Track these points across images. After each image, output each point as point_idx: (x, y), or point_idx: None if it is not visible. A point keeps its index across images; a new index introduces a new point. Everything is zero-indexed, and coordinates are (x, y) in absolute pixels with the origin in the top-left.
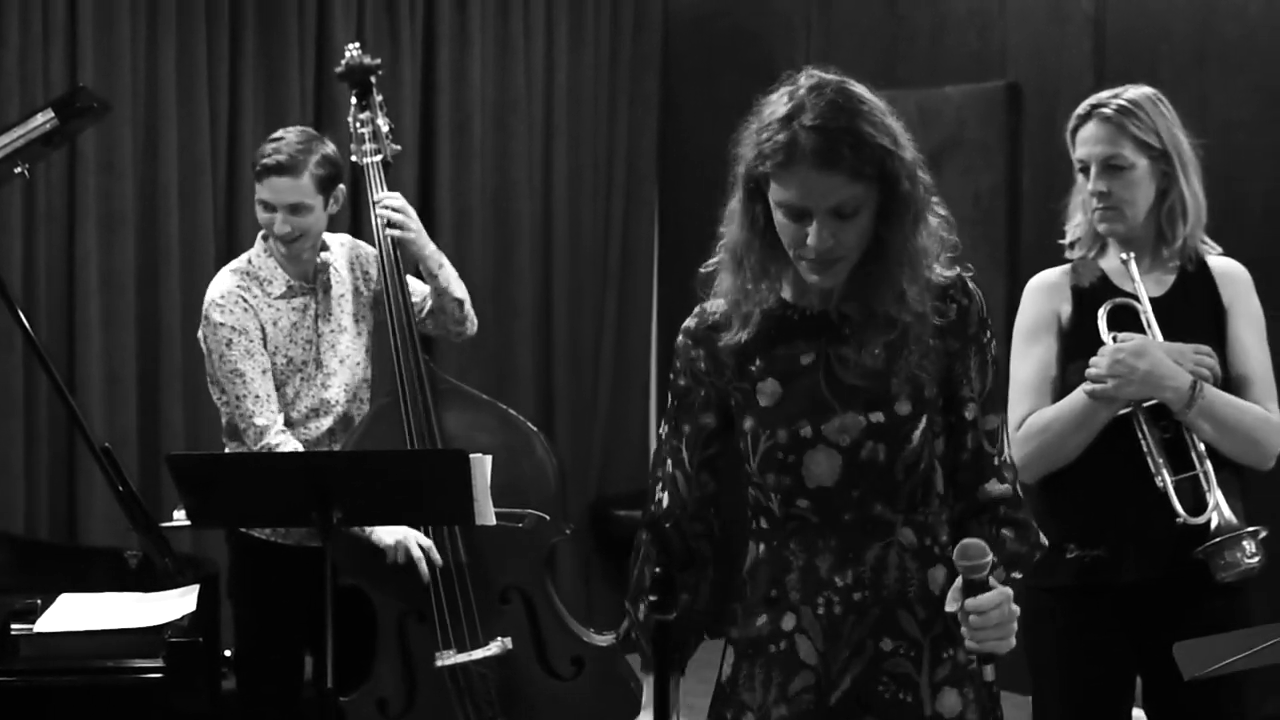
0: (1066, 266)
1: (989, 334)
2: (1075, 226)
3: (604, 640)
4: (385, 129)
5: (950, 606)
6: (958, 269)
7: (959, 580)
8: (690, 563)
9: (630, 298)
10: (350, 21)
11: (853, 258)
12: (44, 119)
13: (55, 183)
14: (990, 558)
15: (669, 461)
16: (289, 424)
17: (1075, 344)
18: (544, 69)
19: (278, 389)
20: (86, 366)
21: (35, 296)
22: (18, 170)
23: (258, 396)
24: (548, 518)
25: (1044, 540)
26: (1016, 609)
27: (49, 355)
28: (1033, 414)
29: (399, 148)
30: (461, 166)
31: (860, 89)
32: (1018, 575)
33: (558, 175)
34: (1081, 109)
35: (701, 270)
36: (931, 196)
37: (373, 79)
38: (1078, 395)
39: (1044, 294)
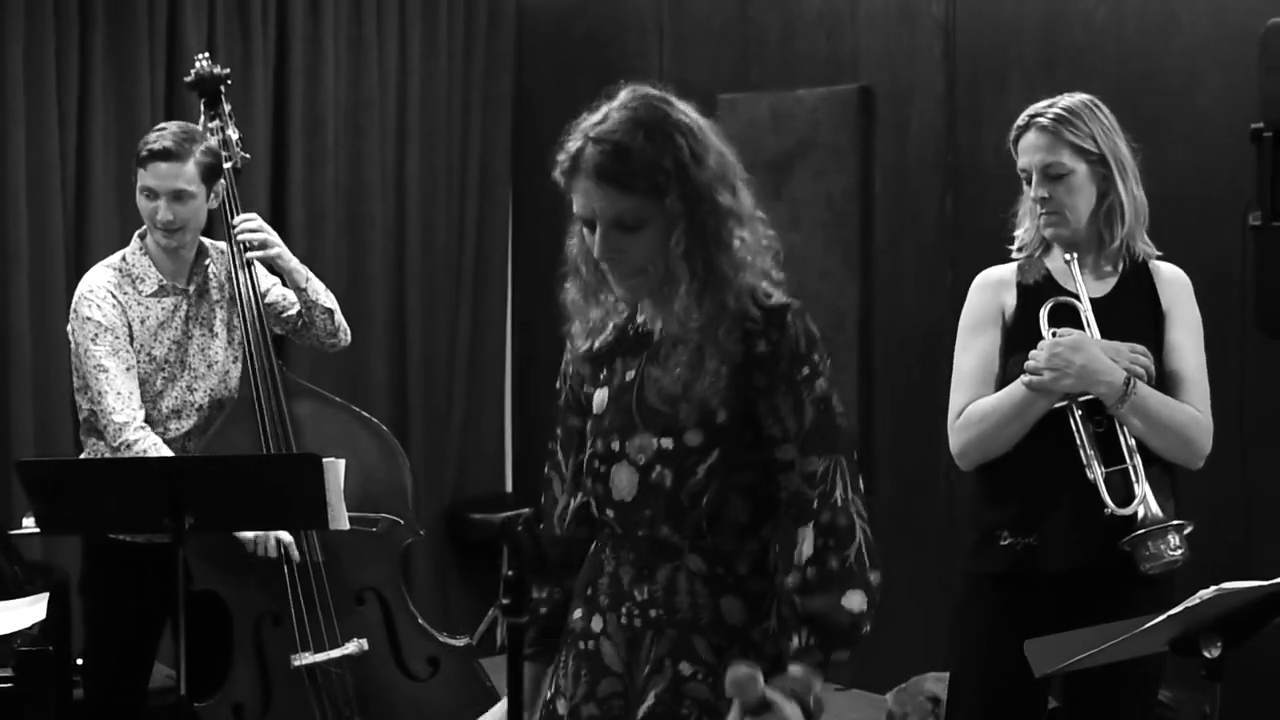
0: (1013, 264)
1: (807, 370)
2: (1024, 232)
3: (458, 642)
4: (235, 137)
5: None
6: (785, 300)
7: (735, 703)
8: (543, 566)
9: (484, 300)
10: (201, 21)
11: (653, 272)
12: None
13: None
14: (759, 683)
15: (548, 465)
16: (150, 422)
17: (1016, 338)
18: (397, 70)
19: (141, 385)
20: None
21: None
22: None
23: (119, 393)
24: (401, 521)
25: (858, 609)
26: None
27: None
28: (972, 403)
29: (248, 156)
30: (314, 169)
31: (671, 106)
32: (839, 656)
33: (411, 177)
34: (1021, 119)
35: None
36: (733, 219)
37: (222, 88)
38: (1016, 386)
39: (990, 289)
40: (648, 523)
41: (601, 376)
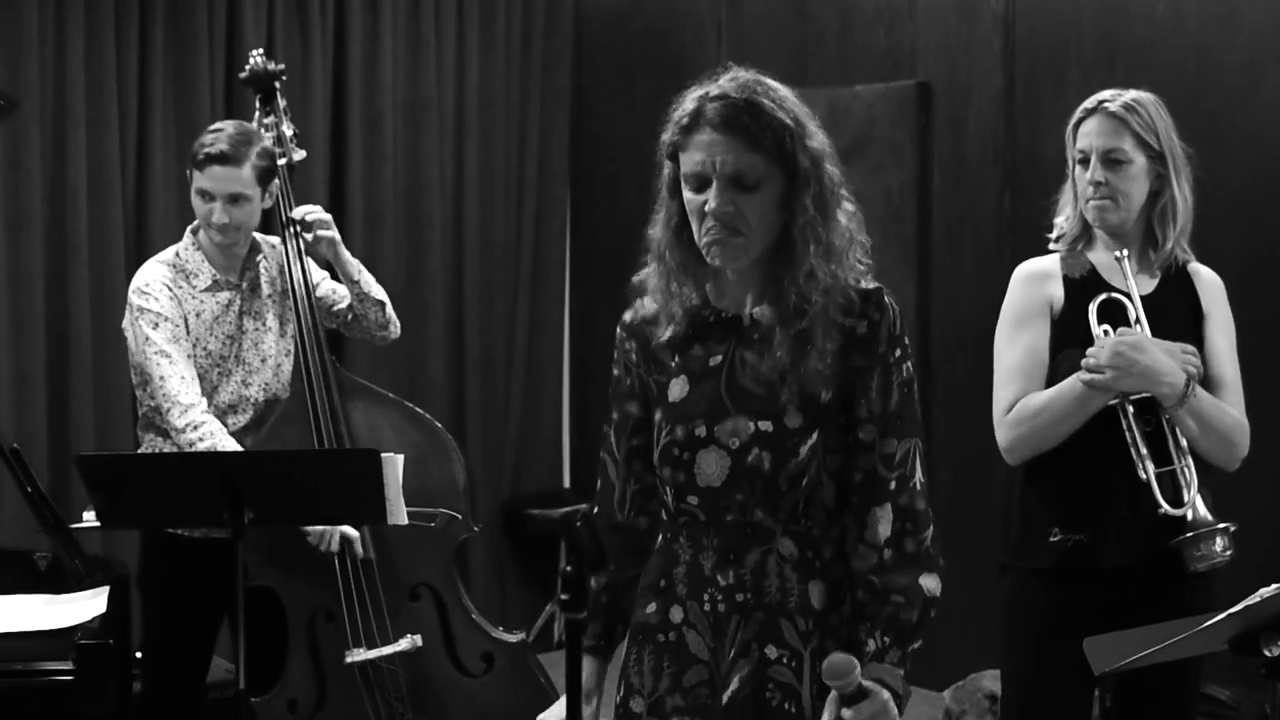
0: (1054, 257)
1: (899, 353)
2: (1064, 221)
3: (513, 637)
4: (289, 133)
5: (826, 718)
6: (876, 284)
7: (833, 692)
8: (602, 562)
9: (542, 296)
10: (260, 19)
11: (755, 241)
12: None
13: None
14: (857, 671)
15: (602, 449)
16: None
17: (1065, 332)
18: (455, 67)
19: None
20: None
21: None
22: None
23: (183, 377)
24: (459, 516)
25: (932, 592)
26: (895, 713)
27: None
28: (1023, 398)
29: (304, 153)
30: (373, 166)
31: (775, 82)
32: (915, 646)
33: (469, 174)
34: (1089, 103)
35: (635, 279)
36: (842, 190)
37: (277, 84)
38: (1072, 382)
39: (1035, 281)
40: (739, 507)
41: (674, 364)
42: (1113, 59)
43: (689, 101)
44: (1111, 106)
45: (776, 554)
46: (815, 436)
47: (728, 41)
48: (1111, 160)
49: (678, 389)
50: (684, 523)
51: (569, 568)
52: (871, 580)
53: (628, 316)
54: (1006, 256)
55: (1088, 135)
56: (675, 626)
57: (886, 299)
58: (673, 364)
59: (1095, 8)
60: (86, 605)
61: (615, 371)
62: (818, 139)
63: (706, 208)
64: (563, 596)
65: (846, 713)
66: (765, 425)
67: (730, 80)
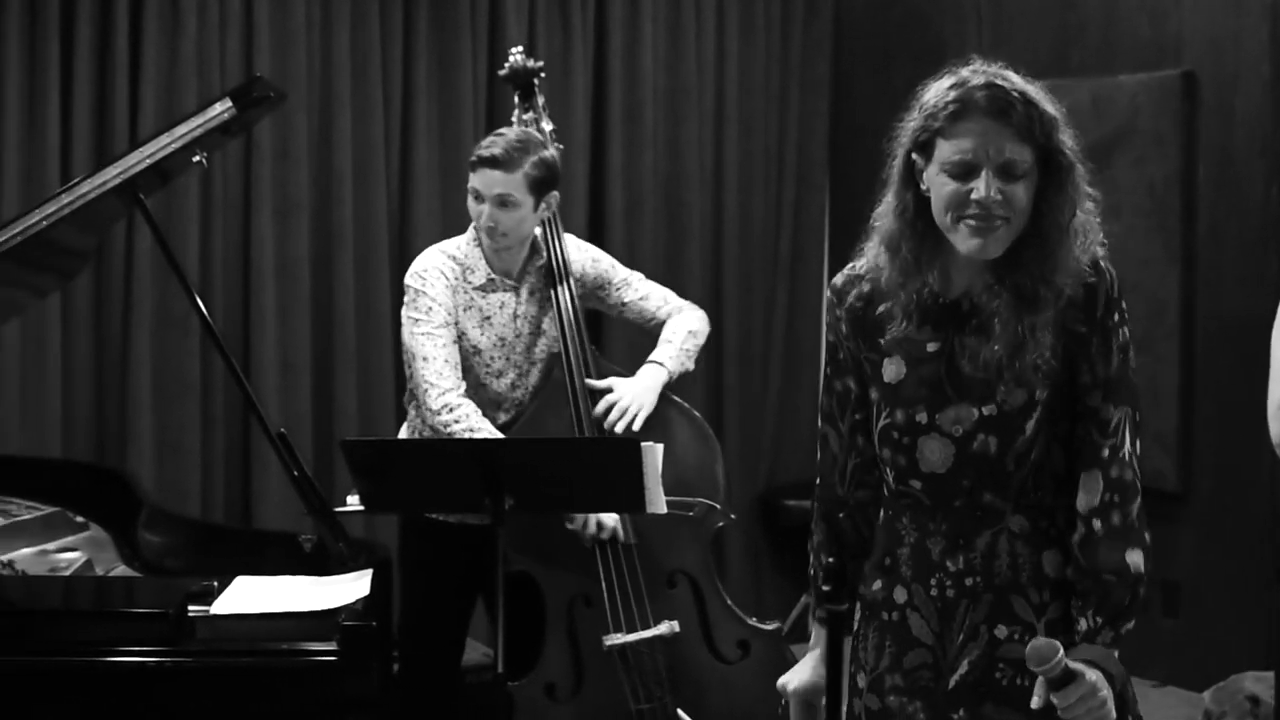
0: None
1: (1117, 317)
2: None
3: (769, 626)
4: (549, 129)
5: (1035, 703)
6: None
7: (1041, 677)
8: (864, 552)
9: (801, 285)
10: (522, 8)
11: (1015, 231)
12: (222, 108)
13: (232, 171)
14: (1061, 655)
15: (821, 417)
16: None
17: None
18: (715, 56)
19: (465, 375)
20: (262, 352)
21: (212, 283)
22: (196, 159)
23: (445, 360)
24: (718, 506)
25: (1140, 569)
26: (1105, 693)
27: (225, 341)
28: None
29: (561, 146)
30: (633, 155)
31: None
32: (1129, 626)
33: (729, 163)
34: None
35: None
36: (1086, 184)
37: (535, 81)
38: None
39: None
40: (966, 492)
41: (887, 341)
42: None
43: (947, 90)
44: None
45: (1008, 532)
46: (1040, 409)
47: (988, 28)
48: None
49: (892, 370)
50: (907, 504)
51: (830, 559)
52: (1078, 557)
53: (839, 281)
54: (1273, 250)
55: None
56: (899, 607)
57: (1103, 263)
58: (884, 341)
59: None
60: (350, 587)
61: (829, 338)
62: (1070, 134)
63: (974, 195)
64: (824, 588)
65: (1055, 698)
66: (989, 409)
67: (983, 71)
